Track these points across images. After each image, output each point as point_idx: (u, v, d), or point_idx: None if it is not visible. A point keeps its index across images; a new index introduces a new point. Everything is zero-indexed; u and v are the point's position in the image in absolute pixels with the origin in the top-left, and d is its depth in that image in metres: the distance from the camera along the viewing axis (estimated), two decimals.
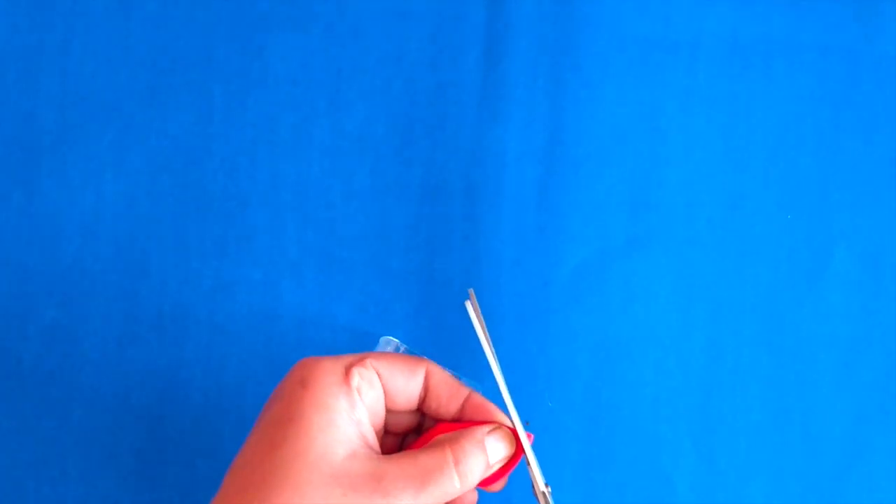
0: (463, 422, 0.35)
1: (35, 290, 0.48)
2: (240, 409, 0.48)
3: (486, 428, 0.34)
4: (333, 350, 0.48)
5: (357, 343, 0.48)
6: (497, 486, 0.36)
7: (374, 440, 0.32)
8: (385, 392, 0.33)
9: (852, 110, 0.50)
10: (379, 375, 0.33)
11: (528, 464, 0.36)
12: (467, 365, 0.48)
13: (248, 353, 0.48)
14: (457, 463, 0.32)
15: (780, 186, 0.50)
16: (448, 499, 0.32)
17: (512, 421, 0.36)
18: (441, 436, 0.34)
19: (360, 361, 0.32)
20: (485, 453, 0.33)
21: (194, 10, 0.48)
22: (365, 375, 0.32)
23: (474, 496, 0.35)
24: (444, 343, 0.49)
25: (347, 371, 0.31)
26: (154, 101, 0.48)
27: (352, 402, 0.31)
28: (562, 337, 0.49)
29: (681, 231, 0.49)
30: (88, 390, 0.48)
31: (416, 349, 0.48)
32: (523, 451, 0.35)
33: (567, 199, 0.49)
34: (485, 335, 0.37)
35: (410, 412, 0.36)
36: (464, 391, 0.35)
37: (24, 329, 0.48)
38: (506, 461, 0.35)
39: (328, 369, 0.31)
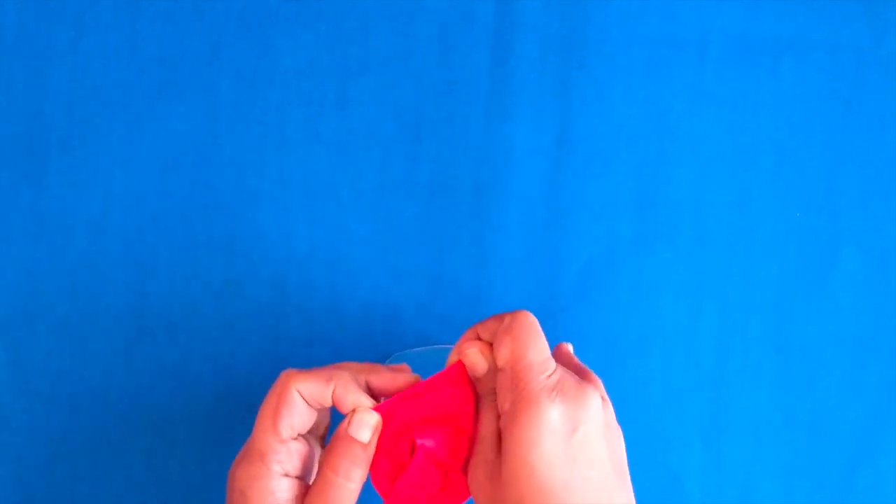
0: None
1: (43, 288, 0.48)
2: (249, 406, 0.48)
3: (345, 421, 0.38)
4: (339, 348, 0.48)
5: (363, 340, 0.48)
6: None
7: (299, 486, 0.38)
8: (309, 410, 0.38)
9: (860, 109, 0.50)
10: (303, 397, 0.37)
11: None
12: None
13: (257, 350, 0.48)
14: (335, 473, 0.37)
15: (788, 185, 0.50)
16: (353, 493, 0.37)
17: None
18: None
19: (275, 428, 0.37)
20: (350, 443, 0.37)
21: (202, 8, 0.48)
22: (282, 452, 0.37)
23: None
24: (450, 340, 0.49)
25: (266, 462, 0.36)
26: (162, 98, 0.48)
27: (282, 485, 0.37)
28: (569, 335, 0.49)
29: (688, 229, 0.49)
30: (97, 388, 0.48)
31: (422, 345, 0.49)
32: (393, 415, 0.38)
33: (575, 197, 0.49)
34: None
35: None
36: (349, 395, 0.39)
37: (33, 327, 0.48)
38: (375, 429, 0.38)
39: (257, 475, 0.36)
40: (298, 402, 0.37)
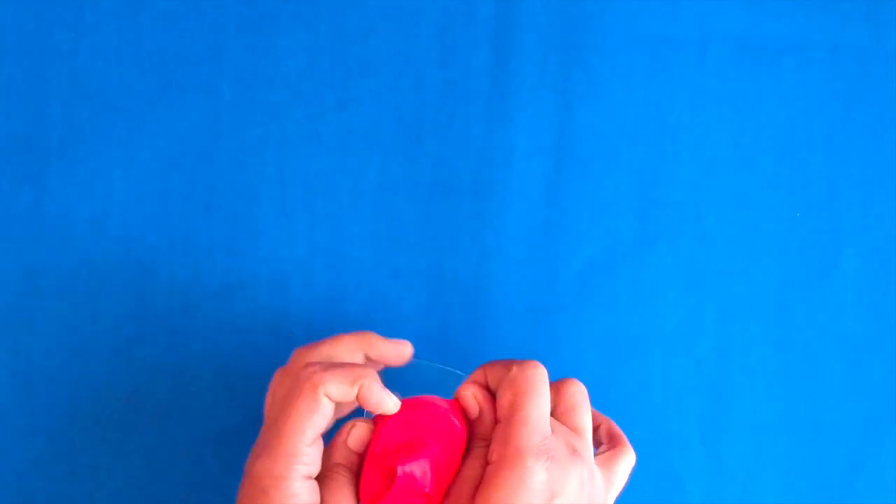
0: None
1: (44, 288, 0.48)
2: (248, 406, 0.48)
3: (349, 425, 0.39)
4: None
5: None
6: None
7: (315, 487, 0.38)
8: (333, 412, 0.38)
9: (861, 108, 0.50)
10: (329, 397, 0.37)
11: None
12: (472, 361, 0.48)
13: (257, 350, 0.48)
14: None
15: (789, 185, 0.50)
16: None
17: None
18: None
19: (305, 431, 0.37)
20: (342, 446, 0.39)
21: (203, 9, 0.48)
22: (308, 454, 0.37)
23: None
24: (451, 341, 0.49)
25: (293, 464, 0.37)
26: (162, 99, 0.48)
27: (305, 487, 0.37)
28: (570, 335, 0.49)
29: (689, 229, 0.49)
30: (97, 388, 0.48)
31: (423, 347, 0.49)
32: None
33: (575, 196, 0.49)
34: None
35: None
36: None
37: (34, 327, 0.48)
38: (361, 440, 0.39)
39: (282, 475, 0.36)
40: (326, 405, 0.37)
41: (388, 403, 0.38)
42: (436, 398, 0.39)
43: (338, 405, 0.38)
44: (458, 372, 0.46)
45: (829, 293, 0.50)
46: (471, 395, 0.39)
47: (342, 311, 0.48)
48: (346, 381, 0.37)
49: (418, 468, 0.37)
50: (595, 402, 0.49)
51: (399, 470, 0.37)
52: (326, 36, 0.49)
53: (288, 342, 0.48)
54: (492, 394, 0.39)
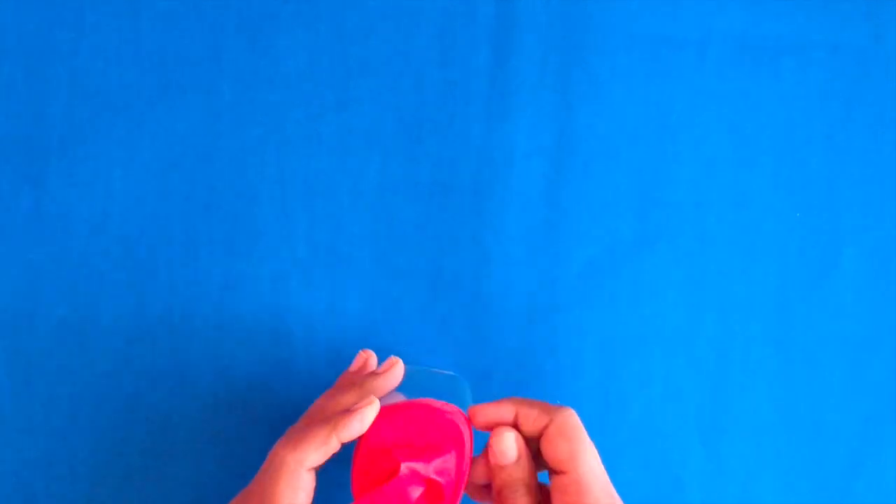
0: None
1: (44, 288, 0.48)
2: (247, 406, 0.48)
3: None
4: (339, 348, 0.48)
5: (363, 341, 0.48)
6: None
7: None
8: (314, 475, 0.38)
9: (861, 108, 0.50)
10: (313, 469, 0.38)
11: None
12: (472, 361, 0.48)
13: (256, 350, 0.48)
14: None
15: (789, 184, 0.50)
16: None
17: None
18: None
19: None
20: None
21: (203, 9, 0.48)
22: None
23: None
24: (450, 341, 0.49)
25: None
26: (163, 99, 0.48)
27: None
28: (570, 335, 0.49)
29: (689, 229, 0.49)
30: (96, 388, 0.48)
31: (422, 348, 0.49)
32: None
33: (576, 197, 0.49)
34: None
35: None
36: None
37: (33, 327, 0.48)
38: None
39: None
40: (306, 480, 0.37)
41: (367, 414, 0.38)
42: (433, 401, 0.39)
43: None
44: (440, 371, 0.46)
45: (829, 293, 0.50)
46: (513, 440, 0.38)
47: (342, 311, 0.48)
48: (321, 443, 0.37)
49: (421, 468, 0.37)
50: (595, 402, 0.49)
51: (403, 467, 0.37)
52: (326, 36, 0.49)
53: (287, 342, 0.48)
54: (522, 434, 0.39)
